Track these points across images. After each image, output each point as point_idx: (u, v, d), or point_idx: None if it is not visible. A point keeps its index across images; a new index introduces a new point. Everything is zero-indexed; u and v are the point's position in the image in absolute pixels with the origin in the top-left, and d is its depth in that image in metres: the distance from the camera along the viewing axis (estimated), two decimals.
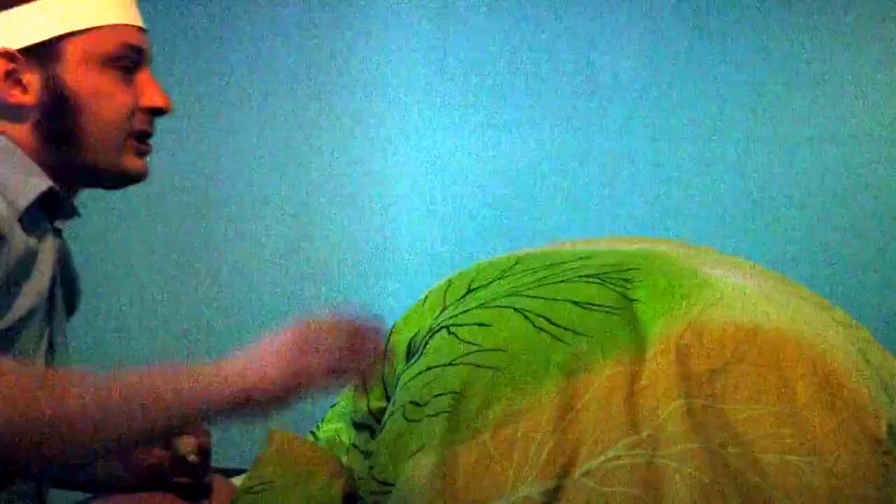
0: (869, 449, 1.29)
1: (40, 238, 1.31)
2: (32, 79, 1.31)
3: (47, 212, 1.33)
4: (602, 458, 1.29)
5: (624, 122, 2.89)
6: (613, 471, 1.28)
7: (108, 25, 1.34)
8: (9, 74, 1.30)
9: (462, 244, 2.87)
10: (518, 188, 2.90)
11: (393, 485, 1.35)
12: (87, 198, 1.42)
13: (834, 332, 1.43)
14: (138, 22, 1.38)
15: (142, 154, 1.38)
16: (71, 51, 1.32)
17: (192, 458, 1.51)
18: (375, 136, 2.94)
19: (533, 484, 1.28)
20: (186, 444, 1.52)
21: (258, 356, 1.17)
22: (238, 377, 1.14)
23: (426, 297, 1.65)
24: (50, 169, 1.33)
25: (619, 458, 1.28)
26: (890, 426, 1.32)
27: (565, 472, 1.28)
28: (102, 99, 1.33)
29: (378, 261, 2.92)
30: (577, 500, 1.26)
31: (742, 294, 1.44)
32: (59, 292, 1.39)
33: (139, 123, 1.37)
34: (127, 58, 1.35)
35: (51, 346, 1.37)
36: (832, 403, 1.32)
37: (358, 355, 1.20)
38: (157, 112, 1.38)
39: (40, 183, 1.30)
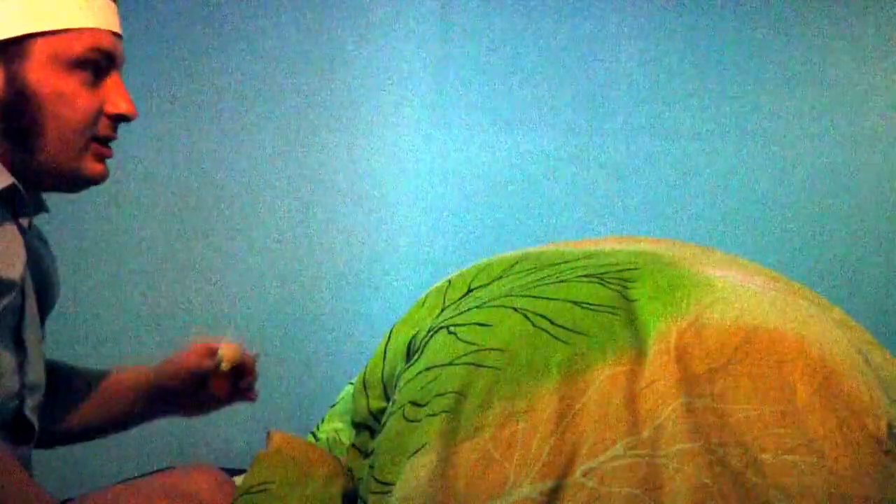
0: (869, 449, 1.29)
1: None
2: None
3: (10, 208, 1.32)
4: (602, 457, 1.29)
5: (625, 123, 2.89)
6: (613, 471, 1.28)
7: (78, 28, 1.33)
8: None
9: (462, 244, 2.87)
10: (518, 188, 2.90)
11: (393, 485, 1.35)
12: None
13: (834, 332, 1.43)
14: (112, 27, 1.37)
15: (101, 158, 1.38)
16: (37, 50, 1.31)
17: (224, 365, 1.60)
18: (376, 135, 2.94)
19: (533, 484, 1.28)
20: (226, 353, 1.62)
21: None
22: None
23: (426, 297, 1.65)
24: (10, 166, 1.32)
25: (618, 458, 1.28)
26: (890, 426, 1.32)
27: (565, 471, 1.28)
28: (65, 101, 1.32)
29: (378, 261, 2.92)
30: (576, 499, 1.26)
31: (742, 294, 1.44)
32: (29, 288, 1.38)
33: (102, 129, 1.36)
34: (95, 62, 1.34)
35: (21, 342, 1.37)
36: (832, 403, 1.32)
37: None
38: (122, 119, 1.38)
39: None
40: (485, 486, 1.29)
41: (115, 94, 1.36)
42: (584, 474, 1.28)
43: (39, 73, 1.31)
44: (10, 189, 1.30)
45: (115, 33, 1.37)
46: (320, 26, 2.94)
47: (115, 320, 2.90)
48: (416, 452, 1.33)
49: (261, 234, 2.93)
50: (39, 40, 1.31)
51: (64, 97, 1.32)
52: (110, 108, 1.36)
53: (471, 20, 2.91)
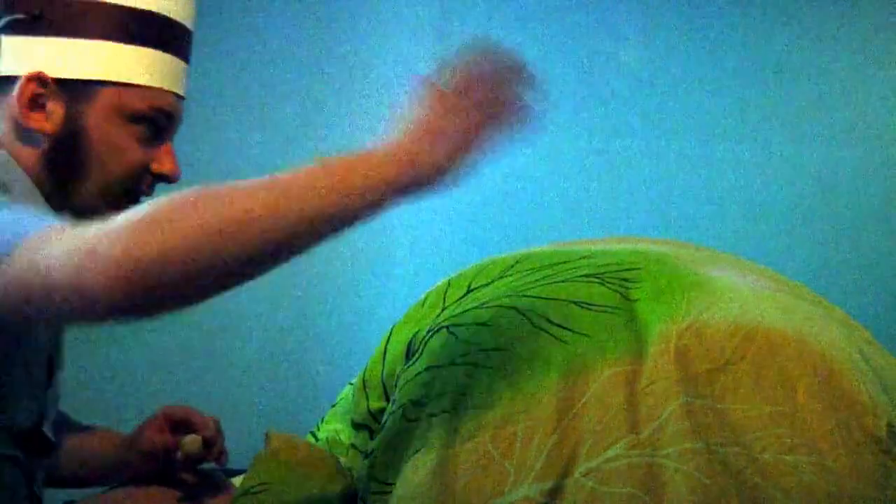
0: (869, 449, 1.29)
1: None
2: (57, 109, 1.31)
3: None
4: (602, 457, 1.28)
5: (624, 122, 2.89)
6: (613, 471, 1.27)
7: (146, 85, 1.34)
8: (36, 98, 1.30)
9: (463, 244, 2.87)
10: (518, 188, 2.90)
11: (393, 485, 1.35)
12: None
13: (834, 332, 1.43)
14: (178, 90, 1.39)
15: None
16: (103, 97, 1.32)
17: (180, 455, 1.54)
18: (375, 136, 2.93)
19: (533, 484, 1.28)
20: (191, 442, 1.55)
21: (412, 136, 1.16)
22: (406, 158, 1.16)
23: (426, 297, 1.65)
24: (47, 197, 1.33)
25: (619, 458, 1.28)
26: (890, 426, 1.32)
27: (565, 472, 1.28)
28: (115, 152, 1.33)
29: (378, 261, 2.91)
30: (577, 499, 1.26)
31: (742, 294, 1.44)
32: None
33: (143, 185, 1.38)
34: (154, 120, 1.36)
35: (50, 359, 1.38)
36: (832, 403, 1.32)
37: (507, 98, 1.17)
38: (164, 179, 1.39)
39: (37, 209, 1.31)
40: (485, 486, 1.29)
41: (165, 157, 1.38)
42: (585, 474, 1.28)
43: (98, 119, 1.32)
44: None
45: (179, 96, 1.39)
46: (319, 26, 2.94)
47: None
48: (415, 452, 1.33)
49: None
50: (107, 88, 1.32)
51: (116, 148, 1.33)
52: (156, 167, 1.38)
53: (471, 20, 2.91)
